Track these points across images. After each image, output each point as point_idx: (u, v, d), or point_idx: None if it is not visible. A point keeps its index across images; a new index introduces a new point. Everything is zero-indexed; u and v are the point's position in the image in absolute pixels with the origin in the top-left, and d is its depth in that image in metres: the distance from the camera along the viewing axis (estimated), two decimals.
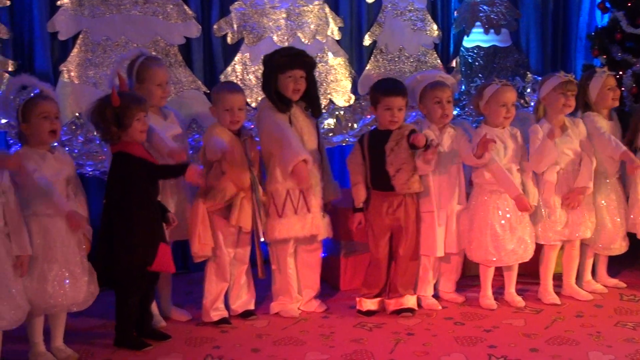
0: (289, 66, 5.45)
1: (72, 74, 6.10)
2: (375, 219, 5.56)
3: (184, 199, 5.49)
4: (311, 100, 5.63)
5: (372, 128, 5.74)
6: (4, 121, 5.61)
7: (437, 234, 5.66)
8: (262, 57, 5.66)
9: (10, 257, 4.57)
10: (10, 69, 5.88)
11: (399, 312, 5.57)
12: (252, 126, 6.22)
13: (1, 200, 4.55)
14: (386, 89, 5.51)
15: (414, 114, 6.62)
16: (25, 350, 4.89)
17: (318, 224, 5.57)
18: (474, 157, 5.50)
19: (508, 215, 5.63)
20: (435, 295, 5.87)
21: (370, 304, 5.64)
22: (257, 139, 5.65)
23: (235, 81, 6.58)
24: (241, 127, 5.47)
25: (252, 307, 5.63)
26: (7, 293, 4.50)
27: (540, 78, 6.72)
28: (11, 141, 5.68)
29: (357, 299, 5.67)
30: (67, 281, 4.75)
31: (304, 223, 5.53)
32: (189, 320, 5.55)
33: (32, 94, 4.98)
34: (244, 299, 5.61)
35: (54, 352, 4.91)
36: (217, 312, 5.48)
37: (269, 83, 5.51)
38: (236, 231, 5.45)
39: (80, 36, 6.12)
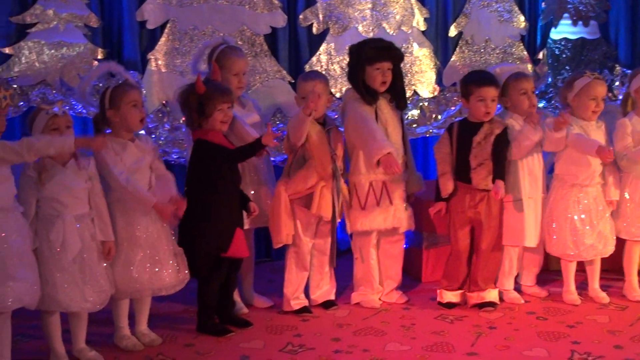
0: (378, 58, 5.44)
1: (160, 62, 6.18)
2: (457, 211, 5.53)
3: (263, 186, 5.53)
4: (397, 93, 5.60)
5: (460, 118, 5.67)
6: (93, 109, 5.70)
7: (526, 223, 5.61)
8: (349, 48, 5.66)
9: (95, 242, 4.66)
10: (99, 57, 5.99)
11: (480, 306, 5.54)
12: (337, 116, 6.24)
13: (87, 185, 4.64)
14: (479, 79, 5.48)
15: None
16: (110, 333, 4.99)
17: (400, 217, 5.56)
18: (553, 130, 5.44)
19: (588, 210, 5.56)
20: (517, 289, 5.82)
21: (452, 296, 5.62)
22: (342, 129, 5.65)
23: (320, 71, 6.59)
24: (326, 117, 5.49)
25: (332, 297, 5.65)
26: (92, 276, 4.59)
27: (629, 71, 6.60)
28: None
29: (438, 291, 5.66)
30: (153, 266, 4.83)
31: (386, 215, 5.53)
32: (270, 308, 5.60)
33: (117, 82, 5.03)
34: (324, 290, 5.63)
35: (138, 336, 4.99)
36: (298, 301, 5.52)
37: (356, 74, 5.50)
38: (315, 221, 5.47)
39: (168, 25, 6.19)
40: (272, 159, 5.93)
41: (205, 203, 5.01)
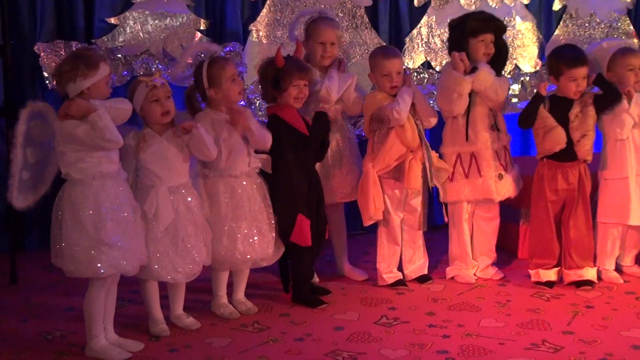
0: (482, 30, 5.40)
1: (261, 33, 6.24)
2: (550, 188, 5.45)
3: (346, 164, 5.55)
4: (496, 64, 5.54)
5: (549, 95, 5.58)
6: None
7: (631, 201, 5.50)
8: (449, 23, 5.62)
9: (192, 214, 4.71)
10: (202, 28, 6.07)
11: (578, 284, 5.47)
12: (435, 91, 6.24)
13: (184, 154, 4.69)
14: (572, 59, 5.35)
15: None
16: (207, 300, 5.09)
17: (489, 188, 5.51)
18: None
19: None
20: (617, 269, 5.72)
21: (551, 274, 5.55)
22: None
23: (420, 44, 6.58)
24: None
25: (425, 271, 5.65)
26: (184, 248, 4.65)
27: None
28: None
29: (532, 271, 5.58)
30: (256, 238, 4.88)
31: (474, 187, 5.52)
32: (365, 281, 5.62)
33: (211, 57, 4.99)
34: (417, 265, 5.63)
35: (235, 304, 5.07)
36: (391, 275, 5.53)
37: (460, 47, 5.43)
38: (404, 195, 5.47)
39: None
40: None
41: (273, 183, 5.06)
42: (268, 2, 6.25)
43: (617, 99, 5.39)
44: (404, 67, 5.55)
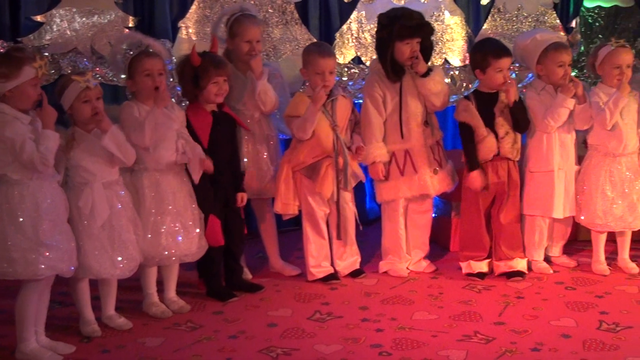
0: (409, 36, 5.41)
1: (191, 30, 6.19)
2: (482, 190, 5.50)
3: (267, 159, 5.58)
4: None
5: (472, 91, 5.65)
6: (123, 76, 5.71)
7: (555, 194, 5.59)
8: (379, 18, 5.60)
9: (125, 210, 4.69)
10: (130, 25, 6.00)
11: (509, 275, 5.54)
12: None
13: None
14: (498, 50, 5.42)
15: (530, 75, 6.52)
16: (139, 300, 5.05)
17: (426, 184, 5.56)
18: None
19: (620, 180, 5.54)
20: (546, 260, 5.81)
21: (482, 266, 5.61)
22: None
23: (350, 39, 6.59)
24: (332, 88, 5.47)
25: (358, 266, 5.67)
26: (121, 243, 4.63)
27: None
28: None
29: (463, 263, 5.64)
30: (180, 233, 4.88)
31: (411, 184, 5.55)
32: (299, 276, 5.63)
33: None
34: (349, 262, 5.64)
35: (167, 303, 5.05)
36: (321, 269, 5.54)
37: (386, 49, 5.46)
38: None
39: None
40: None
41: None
42: None
43: (524, 130, 5.51)
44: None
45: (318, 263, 5.54)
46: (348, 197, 5.51)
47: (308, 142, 5.35)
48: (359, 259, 5.69)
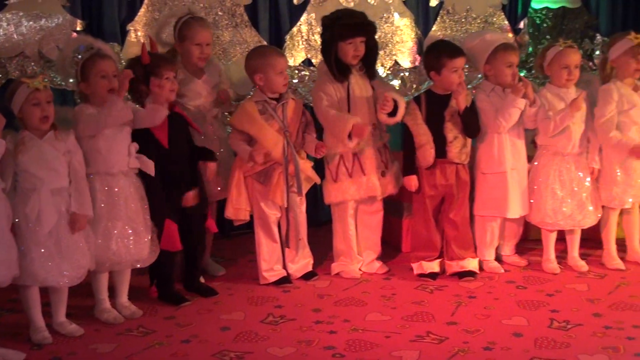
0: (351, 35, 5.43)
1: (139, 33, 6.14)
2: (429, 184, 5.54)
3: (223, 160, 5.58)
4: (368, 64, 5.60)
5: (424, 91, 5.70)
6: (72, 80, 5.66)
7: (510, 195, 5.63)
8: (322, 20, 5.63)
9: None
10: (78, 29, 5.94)
11: (460, 275, 5.57)
12: None
13: (65, 158, 4.63)
14: (452, 50, 5.47)
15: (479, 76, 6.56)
16: (90, 306, 5.00)
17: (374, 186, 5.58)
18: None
19: (569, 179, 5.60)
20: (497, 259, 5.85)
21: (434, 266, 5.64)
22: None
23: (300, 42, 6.58)
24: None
25: (310, 269, 5.67)
26: (69, 251, 4.58)
27: None
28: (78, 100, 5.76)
29: (415, 264, 5.66)
30: (131, 238, 4.84)
31: (359, 186, 5.56)
32: (252, 279, 5.60)
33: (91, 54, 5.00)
34: (301, 264, 5.64)
35: (119, 308, 5.01)
36: (273, 273, 5.53)
37: (329, 49, 5.49)
38: None
39: None
40: None
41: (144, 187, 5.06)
42: (146, 1, 6.14)
43: (474, 136, 5.55)
44: None
45: (270, 267, 5.53)
46: (300, 201, 5.50)
47: (261, 147, 5.32)
48: (312, 262, 5.69)
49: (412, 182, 5.52)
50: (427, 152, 5.47)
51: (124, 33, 6.10)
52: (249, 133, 5.33)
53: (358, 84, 5.54)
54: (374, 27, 5.59)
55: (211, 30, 5.68)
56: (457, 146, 5.48)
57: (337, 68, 5.46)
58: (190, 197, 5.16)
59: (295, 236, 5.54)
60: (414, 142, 5.49)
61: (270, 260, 5.52)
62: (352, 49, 5.44)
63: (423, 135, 5.47)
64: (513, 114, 5.52)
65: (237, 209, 5.42)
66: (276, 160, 5.34)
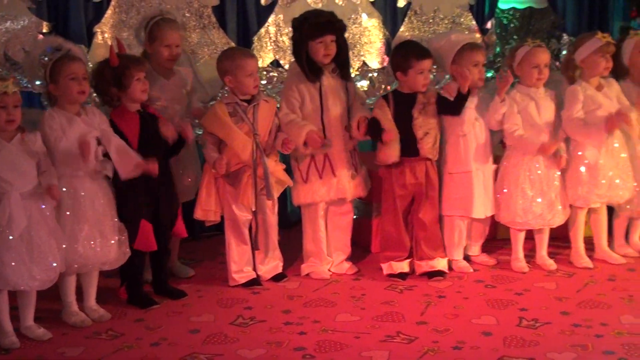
0: (320, 34, 5.43)
1: (106, 35, 6.11)
2: (398, 183, 5.55)
3: (189, 166, 5.62)
4: (341, 64, 5.61)
5: (391, 91, 5.72)
6: (38, 82, 5.62)
7: (475, 195, 5.66)
8: (292, 21, 5.65)
9: (45, 220, 4.61)
10: (44, 30, 5.90)
11: (430, 275, 5.58)
12: None
13: (34, 161, 4.60)
14: (420, 52, 5.49)
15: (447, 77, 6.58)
16: (58, 309, 4.97)
17: (344, 188, 5.59)
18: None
19: (539, 179, 5.62)
20: (466, 258, 5.87)
21: (404, 266, 5.64)
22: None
23: (268, 43, 6.58)
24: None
25: (280, 270, 5.66)
26: (40, 254, 4.55)
27: None
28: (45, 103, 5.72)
29: (385, 264, 5.66)
30: (98, 240, 4.81)
31: (330, 187, 5.57)
32: (223, 282, 5.58)
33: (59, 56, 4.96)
34: (270, 266, 5.63)
35: (87, 311, 4.98)
36: (243, 275, 5.51)
37: (300, 50, 5.50)
38: None
39: None
40: None
41: (116, 189, 5.03)
42: (113, 2, 6.11)
43: (457, 114, 5.54)
44: None
45: (240, 268, 5.51)
46: (271, 204, 5.50)
47: (230, 149, 5.31)
48: (281, 263, 5.68)
49: (389, 134, 5.45)
50: (393, 149, 5.47)
51: (91, 35, 6.06)
52: (217, 135, 5.31)
53: (330, 86, 5.54)
54: (342, 25, 5.60)
55: (181, 32, 5.67)
56: (429, 142, 5.49)
57: (309, 68, 5.45)
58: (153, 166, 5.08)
59: (265, 238, 5.52)
60: (381, 136, 5.46)
61: (239, 262, 5.51)
62: (323, 48, 5.45)
63: (392, 132, 5.48)
64: (464, 118, 5.59)
65: (206, 211, 5.41)
66: (245, 163, 5.32)
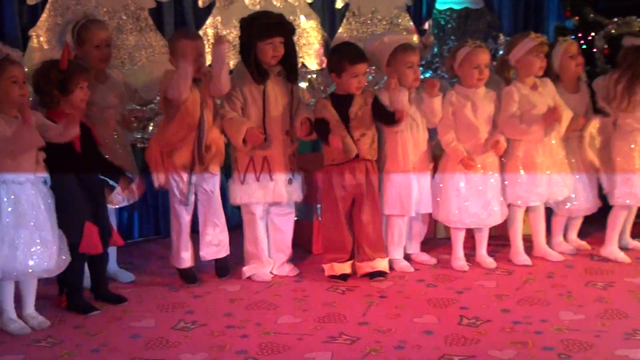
0: (269, 34, 5.42)
1: (42, 39, 6.05)
2: (338, 185, 5.55)
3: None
4: (288, 66, 5.60)
5: (329, 93, 5.73)
6: None
7: (412, 193, 5.69)
8: (240, 21, 5.60)
9: None
10: None
11: (371, 275, 5.59)
12: None
13: None
14: (354, 56, 5.48)
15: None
16: None
17: (281, 191, 5.60)
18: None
19: (476, 178, 5.67)
20: (407, 258, 5.90)
21: (345, 267, 5.65)
22: None
23: (207, 45, 6.54)
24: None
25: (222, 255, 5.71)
26: None
27: None
28: None
29: (326, 265, 5.66)
30: (38, 247, 4.73)
31: (266, 190, 5.58)
32: (163, 285, 5.56)
33: None
34: (213, 250, 5.68)
35: (26, 319, 4.89)
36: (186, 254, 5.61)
37: (248, 50, 5.47)
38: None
39: (50, 0, 6.05)
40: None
41: (55, 192, 4.95)
42: (48, 6, 6.06)
43: (391, 123, 5.54)
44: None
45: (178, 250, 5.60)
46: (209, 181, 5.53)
47: (175, 121, 5.30)
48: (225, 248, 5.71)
49: (336, 139, 5.41)
50: (349, 142, 5.46)
51: (26, 38, 5.99)
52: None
53: (274, 90, 5.53)
54: (291, 27, 5.61)
55: (109, 31, 5.60)
56: (366, 142, 5.50)
57: (257, 69, 5.44)
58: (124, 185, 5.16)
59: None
60: (328, 138, 5.45)
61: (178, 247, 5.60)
62: (271, 49, 5.43)
63: (341, 128, 5.46)
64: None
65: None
66: (192, 128, 5.37)
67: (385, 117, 5.50)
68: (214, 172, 5.55)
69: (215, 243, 5.66)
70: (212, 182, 5.56)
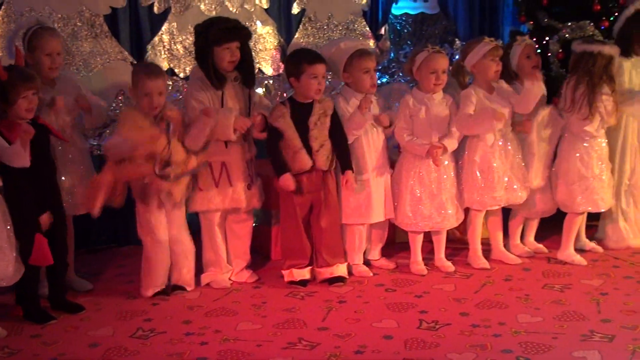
0: (226, 39, 5.39)
1: None
2: (296, 193, 5.53)
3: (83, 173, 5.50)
4: (245, 71, 5.58)
5: (287, 99, 5.71)
6: None
7: (373, 200, 5.70)
8: (195, 28, 5.57)
9: None
10: None
11: (330, 281, 5.59)
12: (181, 97, 6.20)
13: None
14: (312, 57, 5.48)
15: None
16: None
17: (240, 197, 5.57)
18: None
19: (429, 181, 5.70)
20: (366, 263, 5.91)
21: (304, 273, 5.64)
22: None
23: (162, 51, 6.52)
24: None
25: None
26: None
27: None
28: None
29: (285, 271, 5.65)
30: None
31: (225, 196, 5.54)
32: (122, 294, 5.51)
33: None
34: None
35: None
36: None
37: (205, 56, 5.43)
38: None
39: (3, 7, 6.01)
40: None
41: (7, 202, 4.89)
42: (1, 12, 6.00)
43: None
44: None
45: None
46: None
47: (134, 159, 5.21)
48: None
49: (287, 181, 5.42)
50: (304, 157, 5.44)
51: None
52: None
53: (231, 95, 5.50)
54: (248, 32, 5.60)
55: (61, 39, 5.53)
56: (324, 154, 5.49)
57: (214, 74, 5.41)
58: (44, 220, 5.02)
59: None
60: (287, 146, 5.43)
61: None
62: (229, 54, 5.41)
63: (297, 140, 5.45)
64: (359, 122, 5.59)
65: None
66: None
67: (342, 134, 5.53)
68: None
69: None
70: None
